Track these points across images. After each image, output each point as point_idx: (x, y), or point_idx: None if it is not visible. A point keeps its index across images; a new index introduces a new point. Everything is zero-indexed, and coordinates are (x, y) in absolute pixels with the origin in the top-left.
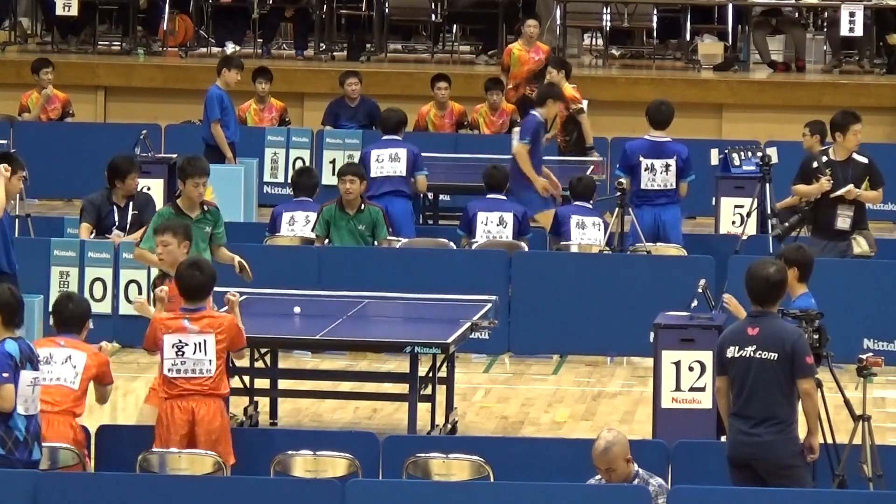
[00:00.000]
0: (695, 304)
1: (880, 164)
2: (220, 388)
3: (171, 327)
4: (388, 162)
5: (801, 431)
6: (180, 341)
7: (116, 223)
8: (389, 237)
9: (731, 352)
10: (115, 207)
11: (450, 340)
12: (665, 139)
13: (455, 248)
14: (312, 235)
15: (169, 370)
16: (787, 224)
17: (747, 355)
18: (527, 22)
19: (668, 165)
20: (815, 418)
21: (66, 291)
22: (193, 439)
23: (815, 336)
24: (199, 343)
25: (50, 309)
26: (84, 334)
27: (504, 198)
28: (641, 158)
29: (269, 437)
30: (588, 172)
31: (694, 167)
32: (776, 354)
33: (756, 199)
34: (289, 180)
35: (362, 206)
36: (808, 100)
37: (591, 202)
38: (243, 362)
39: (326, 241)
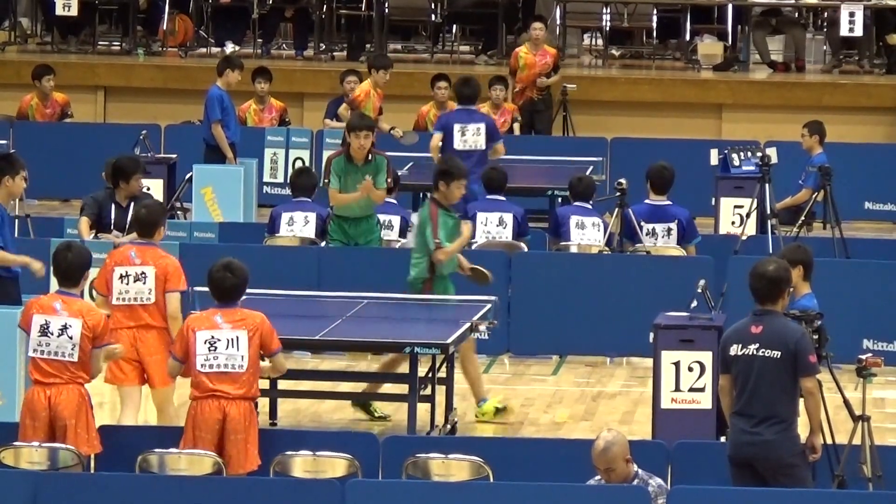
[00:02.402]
0: (694, 304)
1: (880, 164)
2: (251, 389)
3: (203, 324)
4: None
5: (803, 431)
6: (213, 337)
7: (114, 223)
8: (388, 238)
9: (735, 350)
10: (115, 207)
11: (449, 341)
12: (666, 203)
13: None
14: (312, 235)
15: (201, 366)
16: None
17: (750, 353)
18: (533, 25)
19: (669, 230)
20: (817, 418)
21: (65, 241)
22: (223, 439)
23: (815, 336)
24: (232, 339)
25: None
26: (83, 285)
27: (504, 198)
28: (642, 223)
29: (269, 437)
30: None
31: (694, 167)
32: (779, 353)
33: (756, 200)
34: (288, 180)
35: (370, 157)
36: (808, 100)
37: (591, 202)
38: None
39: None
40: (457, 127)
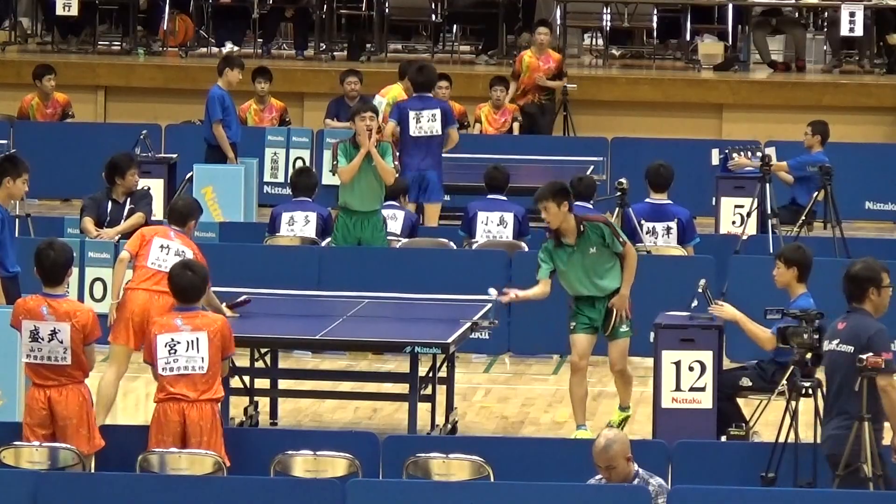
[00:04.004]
0: (695, 304)
1: (880, 164)
2: (212, 391)
3: (163, 327)
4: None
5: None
6: (172, 339)
7: (109, 219)
8: (390, 237)
9: (825, 345)
10: (111, 204)
11: (450, 340)
12: (666, 202)
13: (455, 248)
14: (313, 235)
15: (163, 369)
16: None
17: (832, 348)
18: (538, 29)
19: (668, 228)
20: (894, 417)
21: (47, 239)
22: (185, 441)
23: (815, 336)
24: (192, 341)
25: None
26: (67, 282)
27: (504, 198)
28: (642, 221)
29: (269, 437)
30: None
31: (694, 167)
32: (852, 347)
33: (756, 199)
34: (289, 180)
35: (375, 142)
36: (809, 100)
37: (592, 202)
38: (243, 362)
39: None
40: (412, 114)
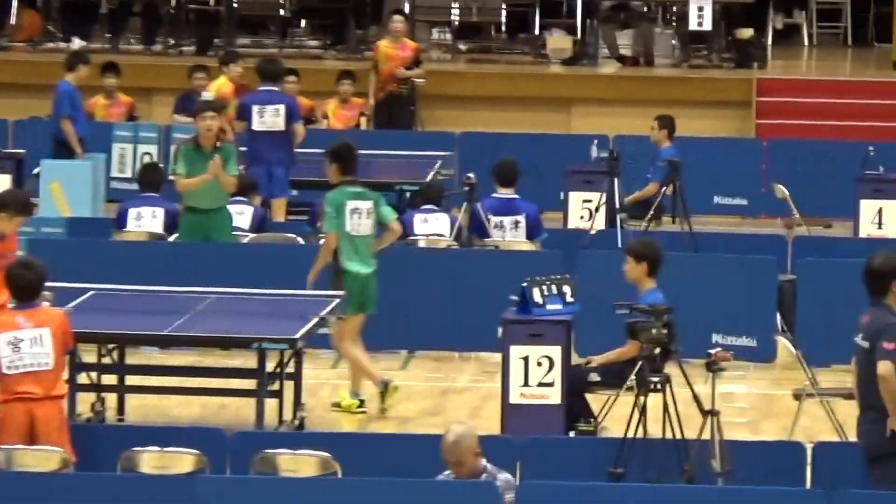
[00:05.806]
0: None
1: (729, 159)
2: (57, 388)
3: (4, 326)
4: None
5: None
6: (16, 337)
7: None
8: (238, 233)
9: (855, 339)
10: None
11: (297, 336)
12: (514, 197)
13: (303, 242)
14: (160, 230)
15: (7, 368)
16: None
17: (857, 342)
18: (393, 17)
19: (517, 223)
20: (892, 402)
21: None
22: (33, 440)
23: (665, 331)
24: (35, 337)
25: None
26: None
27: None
28: (490, 216)
29: (117, 433)
30: None
31: (543, 161)
32: (868, 343)
33: (604, 194)
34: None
35: (218, 144)
36: (657, 94)
37: (439, 205)
38: (90, 358)
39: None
40: (255, 108)
